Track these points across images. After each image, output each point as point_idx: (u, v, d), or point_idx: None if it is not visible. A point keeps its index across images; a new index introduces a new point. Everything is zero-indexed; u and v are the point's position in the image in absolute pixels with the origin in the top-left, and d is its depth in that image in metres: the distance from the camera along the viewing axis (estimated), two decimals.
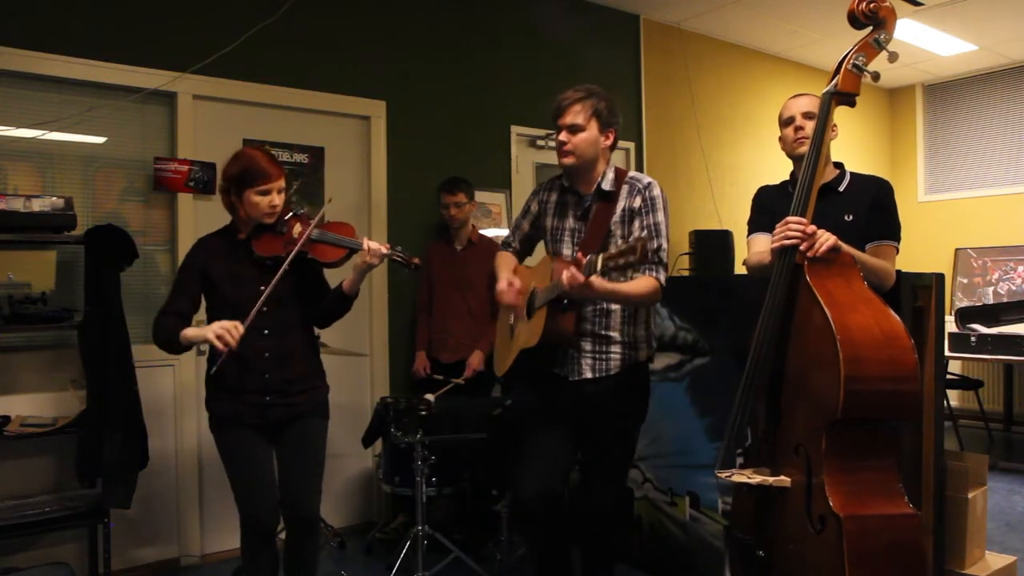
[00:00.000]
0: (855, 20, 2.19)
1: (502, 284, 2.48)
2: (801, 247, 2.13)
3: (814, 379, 2.02)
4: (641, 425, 2.61)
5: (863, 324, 1.98)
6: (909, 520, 1.97)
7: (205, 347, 3.66)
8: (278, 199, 2.48)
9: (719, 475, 2.19)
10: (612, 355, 2.47)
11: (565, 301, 2.36)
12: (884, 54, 2.19)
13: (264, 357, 2.47)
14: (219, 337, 2.27)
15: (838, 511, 1.91)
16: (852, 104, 2.23)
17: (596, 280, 2.12)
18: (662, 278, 2.39)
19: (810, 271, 2.10)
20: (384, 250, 2.44)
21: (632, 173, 2.51)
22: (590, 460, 2.58)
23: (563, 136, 2.45)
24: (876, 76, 2.17)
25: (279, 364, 2.49)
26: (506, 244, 2.77)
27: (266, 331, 2.48)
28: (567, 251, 2.52)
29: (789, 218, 2.18)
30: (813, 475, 2.00)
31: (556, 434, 2.55)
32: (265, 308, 2.45)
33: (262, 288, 2.44)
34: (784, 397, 2.15)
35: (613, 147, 2.52)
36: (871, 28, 2.19)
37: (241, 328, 2.30)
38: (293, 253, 2.44)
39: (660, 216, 2.42)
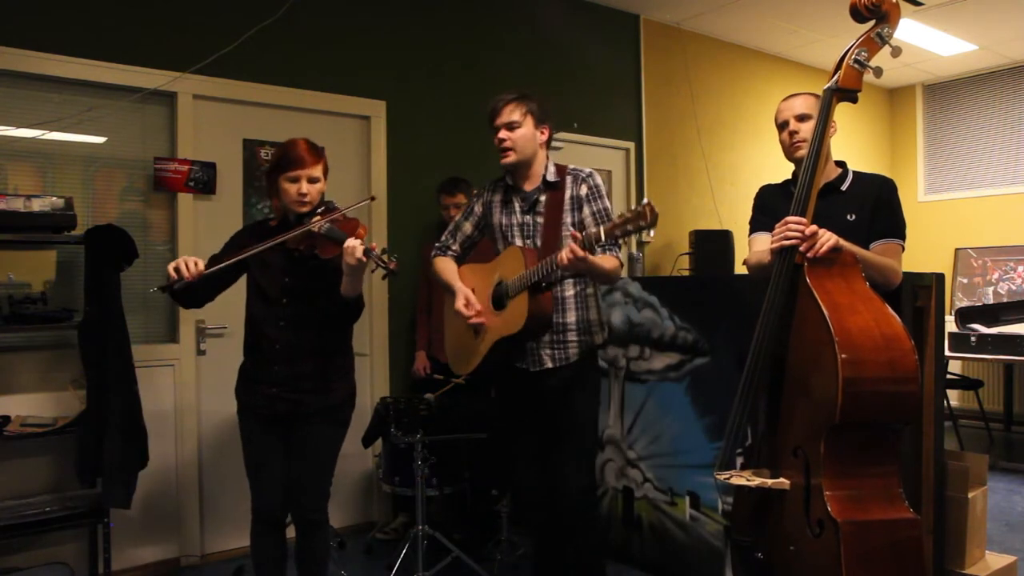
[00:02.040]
0: (857, 14, 2.16)
1: (460, 303, 2.57)
2: (801, 248, 2.11)
3: (813, 381, 2.01)
4: (599, 407, 2.76)
5: (863, 326, 1.96)
6: (909, 525, 1.95)
7: (205, 346, 3.71)
8: (307, 188, 2.44)
9: (718, 477, 2.19)
10: (570, 343, 2.58)
11: (543, 284, 2.45)
12: (887, 49, 2.15)
13: (275, 349, 2.48)
14: (175, 268, 2.30)
15: (836, 516, 1.90)
16: (854, 100, 2.21)
17: (589, 255, 2.26)
18: (622, 257, 2.57)
19: (809, 272, 2.08)
20: (359, 251, 2.25)
21: (570, 166, 2.66)
22: (561, 450, 2.63)
23: (502, 134, 2.57)
24: (879, 71, 2.14)
25: (289, 358, 2.48)
26: (444, 248, 2.79)
27: (282, 323, 2.48)
28: (519, 244, 2.62)
29: (789, 218, 2.16)
30: (812, 478, 1.99)
31: (537, 432, 2.67)
32: (285, 300, 2.48)
33: (286, 279, 2.47)
34: (784, 398, 2.14)
35: (549, 142, 2.65)
36: (874, 22, 2.16)
37: (201, 266, 2.31)
38: (278, 240, 2.40)
39: (606, 201, 2.60)
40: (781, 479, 2.10)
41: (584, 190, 2.58)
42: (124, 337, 3.16)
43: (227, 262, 2.40)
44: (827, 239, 2.10)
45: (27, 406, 3.25)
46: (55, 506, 3.13)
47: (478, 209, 2.77)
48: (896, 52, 2.15)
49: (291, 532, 2.65)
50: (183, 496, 3.59)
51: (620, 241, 2.50)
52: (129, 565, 3.47)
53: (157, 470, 3.39)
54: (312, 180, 2.46)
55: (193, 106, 3.65)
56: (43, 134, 3.32)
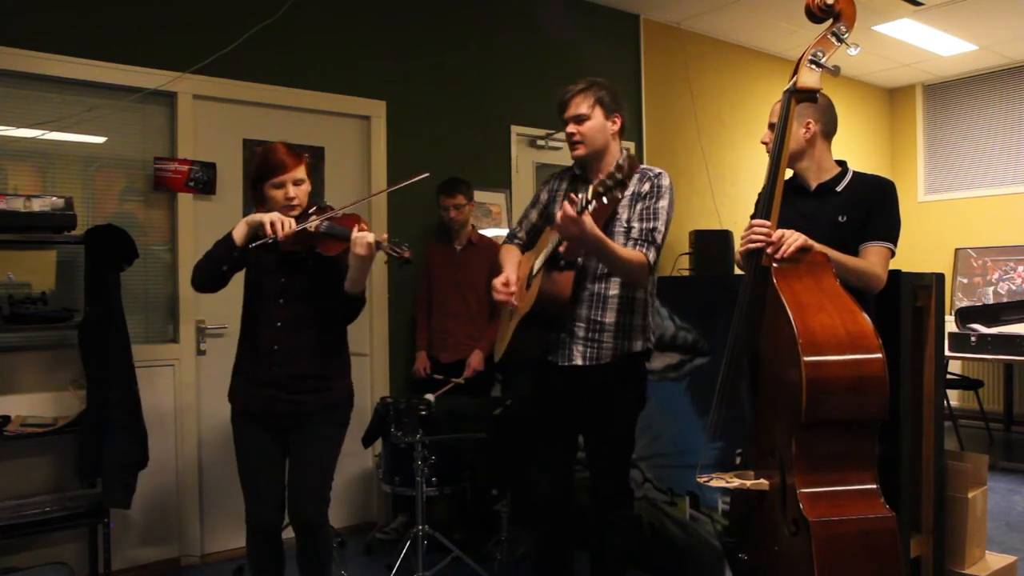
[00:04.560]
0: (812, 15, 2.15)
1: (497, 280, 2.46)
2: (768, 251, 2.10)
3: (783, 382, 2.00)
4: (637, 417, 2.59)
5: (827, 325, 1.94)
6: (883, 522, 1.93)
7: (205, 347, 3.70)
8: (294, 191, 2.43)
9: (699, 479, 2.19)
10: (604, 343, 2.47)
11: (562, 263, 2.37)
12: (849, 48, 2.12)
13: (274, 350, 2.46)
14: (272, 223, 2.31)
15: (807, 514, 1.89)
16: (813, 100, 2.19)
17: (587, 219, 2.13)
18: (651, 257, 2.39)
19: (777, 273, 2.06)
20: (369, 239, 2.28)
21: (643, 164, 2.53)
22: (588, 451, 2.59)
23: (571, 128, 2.47)
24: (836, 71, 2.13)
25: (289, 359, 2.47)
26: (511, 236, 2.75)
27: (279, 323, 2.47)
28: None
29: (753, 221, 2.15)
30: (787, 477, 1.98)
31: (560, 431, 2.59)
32: (282, 301, 2.47)
33: (283, 279, 2.46)
34: (760, 400, 2.15)
35: (622, 132, 2.53)
36: (830, 21, 2.14)
37: (295, 225, 2.33)
38: (283, 235, 2.38)
39: (663, 203, 2.44)
40: (761, 480, 2.09)
41: (646, 187, 2.44)
42: (124, 337, 3.16)
43: (302, 225, 2.38)
44: (793, 240, 2.08)
45: (27, 406, 3.25)
46: (55, 506, 3.13)
47: (543, 197, 2.68)
48: (854, 50, 2.12)
49: (287, 533, 2.65)
50: (183, 496, 3.60)
51: (655, 239, 2.39)
52: (129, 565, 3.47)
53: (157, 470, 3.39)
54: (297, 182, 2.45)
55: (193, 106, 3.65)
56: (43, 134, 3.32)
